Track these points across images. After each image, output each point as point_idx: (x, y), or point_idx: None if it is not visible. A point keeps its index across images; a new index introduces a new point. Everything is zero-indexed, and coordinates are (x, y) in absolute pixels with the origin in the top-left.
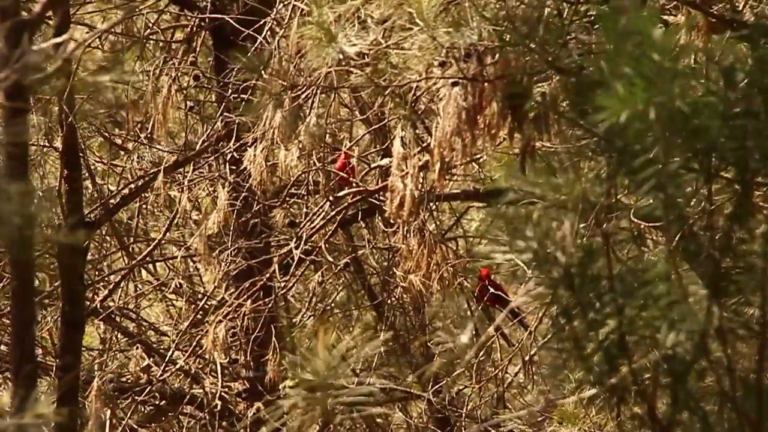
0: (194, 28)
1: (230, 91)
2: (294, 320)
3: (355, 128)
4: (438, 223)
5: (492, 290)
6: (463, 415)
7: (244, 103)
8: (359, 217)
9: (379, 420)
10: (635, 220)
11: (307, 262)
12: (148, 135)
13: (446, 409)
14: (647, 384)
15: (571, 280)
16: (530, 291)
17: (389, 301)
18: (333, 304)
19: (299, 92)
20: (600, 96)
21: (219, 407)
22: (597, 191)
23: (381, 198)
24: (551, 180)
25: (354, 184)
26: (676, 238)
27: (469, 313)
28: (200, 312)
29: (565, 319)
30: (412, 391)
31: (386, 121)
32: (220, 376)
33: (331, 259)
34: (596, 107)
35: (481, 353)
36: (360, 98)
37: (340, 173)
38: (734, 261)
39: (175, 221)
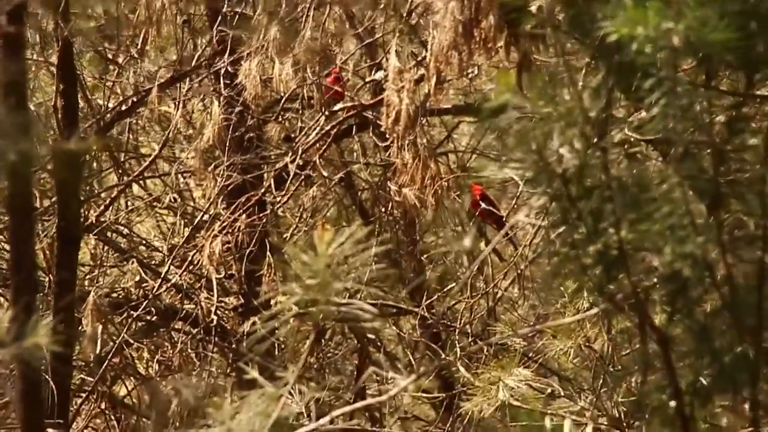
0: None
1: (224, 4)
2: (285, 236)
3: (346, 43)
4: (429, 137)
5: (485, 205)
6: (456, 329)
7: (238, 17)
8: (353, 132)
9: (370, 335)
10: (633, 135)
11: (301, 177)
12: (140, 50)
13: (439, 323)
14: (645, 294)
15: (569, 191)
16: (530, 205)
17: (381, 216)
18: (323, 220)
19: (295, 5)
20: (606, 9)
21: (214, 322)
22: (595, 105)
23: (375, 112)
24: (549, 93)
25: (347, 98)
26: (675, 152)
27: (460, 227)
28: (193, 227)
29: (564, 228)
30: (403, 306)
31: (379, 36)
32: (215, 291)
33: (325, 174)
34: (600, 21)
35: (470, 266)
36: (351, 13)
37: (333, 87)
38: (732, 172)
39: (167, 138)
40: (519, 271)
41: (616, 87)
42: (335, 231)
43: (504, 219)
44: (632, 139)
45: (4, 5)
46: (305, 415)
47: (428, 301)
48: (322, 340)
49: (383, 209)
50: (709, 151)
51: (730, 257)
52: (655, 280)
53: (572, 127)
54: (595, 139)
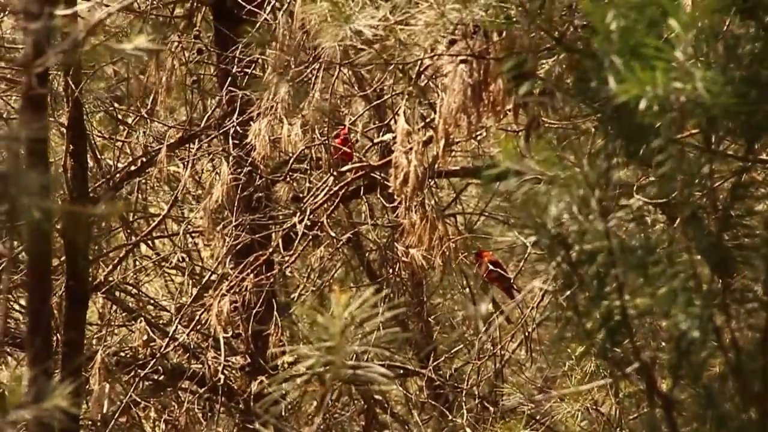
0: (194, 3)
1: (234, 65)
2: (293, 296)
3: (354, 105)
4: (437, 199)
5: (493, 268)
6: (463, 391)
7: (247, 78)
8: (361, 193)
9: (377, 396)
10: (639, 198)
11: (309, 237)
12: (150, 110)
13: (445, 385)
14: (649, 359)
15: (570, 256)
16: (545, 270)
17: (389, 277)
18: (332, 281)
19: (305, 67)
20: (613, 74)
21: (222, 381)
22: (599, 169)
23: (383, 174)
24: (554, 158)
25: (355, 160)
26: (681, 216)
27: (467, 289)
28: (201, 287)
29: (567, 293)
30: (410, 367)
31: (387, 97)
32: (222, 350)
33: (333, 234)
34: (606, 85)
35: (483, 330)
36: (360, 75)
37: (342, 147)
38: (736, 238)
39: (176, 198)
40: (526, 334)
41: (622, 150)
42: (350, 294)
43: (512, 283)
44: (638, 203)
45: (36, 66)
46: None
47: (435, 363)
48: (330, 401)
49: (391, 270)
50: (714, 215)
51: (735, 322)
52: (662, 343)
53: (575, 191)
54: (597, 203)
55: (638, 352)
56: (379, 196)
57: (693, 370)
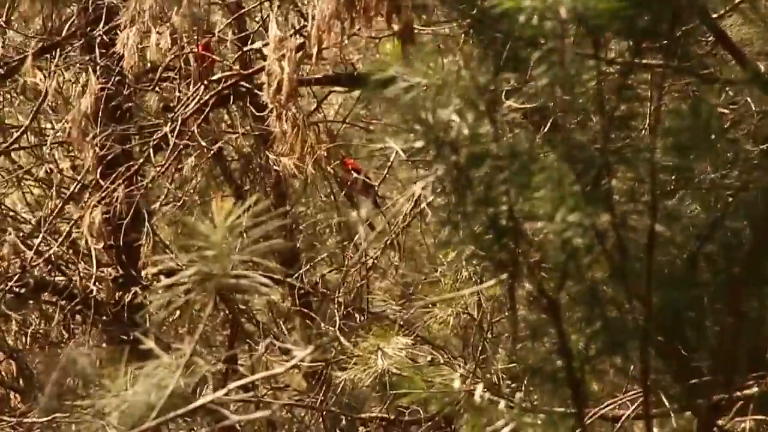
0: None
1: None
2: (155, 206)
3: (214, 14)
4: (299, 107)
5: (357, 176)
6: (334, 299)
7: None
8: (231, 102)
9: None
10: (522, 105)
11: (180, 147)
12: (5, 20)
13: (311, 292)
14: (536, 262)
15: (459, 160)
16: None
17: (251, 186)
18: (193, 191)
19: None
20: None
21: (94, 293)
22: (485, 74)
23: (250, 82)
24: (437, 63)
25: (226, 68)
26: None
27: (333, 198)
28: (67, 199)
29: (456, 196)
30: (275, 276)
31: (254, 6)
32: (94, 262)
33: (204, 144)
34: None
35: (353, 238)
36: None
37: (207, 55)
38: (621, 140)
39: (38, 109)
40: (389, 240)
41: (503, 58)
42: (232, 202)
43: (374, 189)
44: (521, 109)
45: None
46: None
47: (300, 271)
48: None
49: (253, 179)
50: (597, 120)
51: (620, 225)
52: (547, 248)
53: (462, 96)
54: (485, 109)
55: (526, 255)
56: (248, 104)
57: (577, 273)
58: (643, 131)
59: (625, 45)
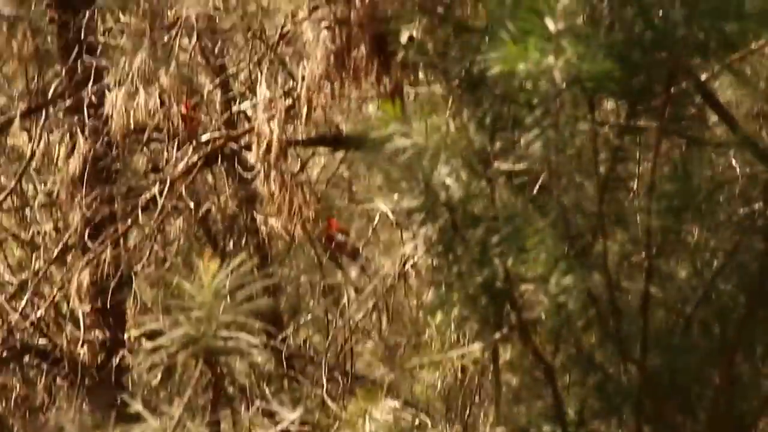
0: None
1: (85, 33)
2: (136, 269)
3: (201, 75)
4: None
5: (340, 237)
6: (315, 361)
7: (100, 46)
8: (219, 162)
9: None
10: (519, 166)
11: (168, 209)
12: None
13: (292, 356)
14: (532, 324)
15: (455, 221)
16: (413, 238)
17: (235, 247)
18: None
19: (165, 34)
20: (488, 46)
21: (82, 356)
22: (480, 136)
23: (238, 143)
24: (434, 124)
25: (213, 129)
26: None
27: (317, 260)
28: (52, 261)
29: (451, 257)
30: (256, 339)
31: (242, 66)
32: (82, 325)
33: (192, 205)
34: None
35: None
36: (210, 44)
37: (193, 117)
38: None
39: (24, 170)
40: (374, 303)
41: (496, 120)
42: (218, 262)
43: (359, 251)
44: (516, 171)
45: None
46: None
47: (284, 333)
48: (176, 375)
49: (236, 240)
50: (591, 181)
51: (615, 287)
52: (541, 311)
53: (458, 157)
54: (480, 170)
55: (520, 317)
56: (235, 165)
57: (573, 335)
58: (637, 193)
59: (618, 106)
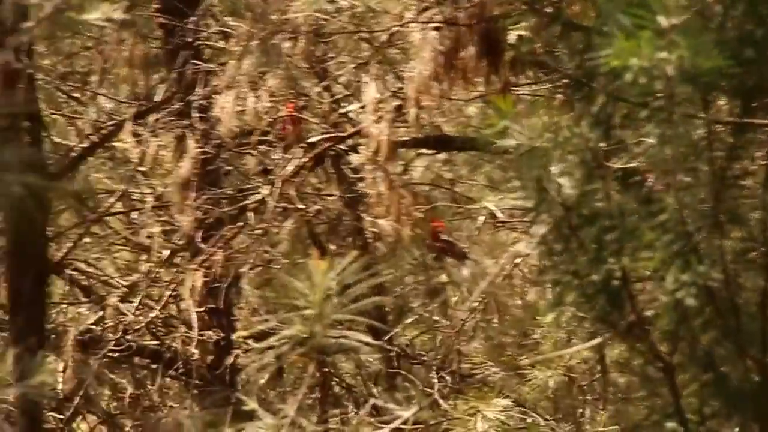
0: None
1: (194, 39)
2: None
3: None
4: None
5: (445, 238)
6: (429, 362)
7: (208, 50)
8: (329, 164)
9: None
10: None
11: (279, 210)
12: (101, 86)
13: (400, 357)
14: (648, 323)
15: (570, 220)
16: (532, 233)
17: (340, 248)
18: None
19: (273, 38)
20: (600, 43)
21: (195, 357)
22: (595, 133)
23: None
24: (547, 122)
25: (324, 130)
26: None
27: (423, 260)
28: (164, 263)
29: (565, 257)
30: (363, 339)
31: (350, 69)
32: (195, 326)
33: (302, 206)
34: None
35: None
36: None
37: (295, 118)
38: (733, 199)
39: (135, 174)
40: (481, 302)
41: (610, 117)
42: (330, 261)
43: (465, 251)
44: (632, 168)
45: (10, 42)
46: None
47: (392, 332)
48: (283, 374)
49: (341, 242)
50: (711, 177)
51: (733, 284)
52: (658, 309)
53: (572, 155)
54: (596, 168)
55: (639, 316)
56: (342, 166)
57: (691, 334)
58: (755, 189)
59: (731, 104)
